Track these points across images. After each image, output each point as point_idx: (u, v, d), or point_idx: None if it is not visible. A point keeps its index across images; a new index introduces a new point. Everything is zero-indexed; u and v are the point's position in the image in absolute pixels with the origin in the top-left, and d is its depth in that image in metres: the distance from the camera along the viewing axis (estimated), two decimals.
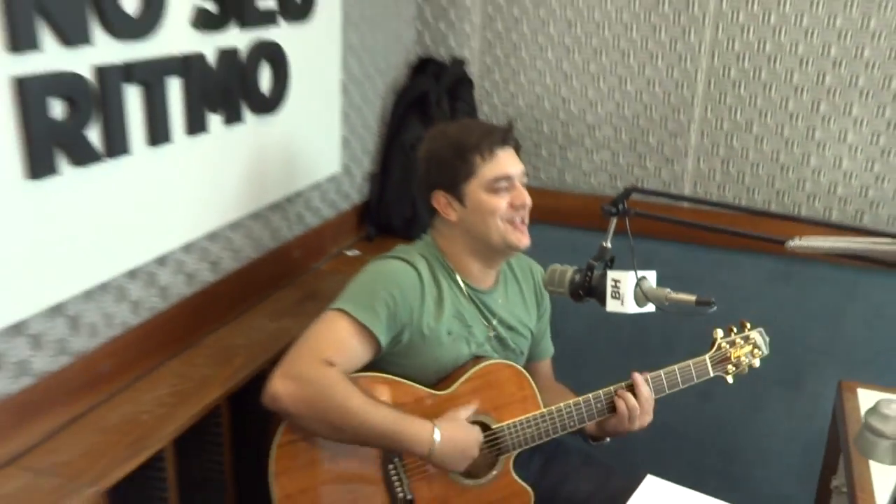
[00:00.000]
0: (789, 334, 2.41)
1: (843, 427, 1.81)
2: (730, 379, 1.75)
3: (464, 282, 1.76)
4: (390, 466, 1.65)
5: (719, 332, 1.76)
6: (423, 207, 1.81)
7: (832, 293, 2.43)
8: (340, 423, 1.53)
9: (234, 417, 1.79)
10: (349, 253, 2.53)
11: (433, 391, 1.69)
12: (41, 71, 1.34)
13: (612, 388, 1.71)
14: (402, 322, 1.66)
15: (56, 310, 1.52)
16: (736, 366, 1.74)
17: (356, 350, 1.61)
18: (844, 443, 1.73)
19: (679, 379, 1.74)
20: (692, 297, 1.49)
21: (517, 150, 1.74)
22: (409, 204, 2.57)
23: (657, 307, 1.53)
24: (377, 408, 1.57)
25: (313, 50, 2.12)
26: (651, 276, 1.53)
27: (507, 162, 1.69)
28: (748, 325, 1.77)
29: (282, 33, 1.96)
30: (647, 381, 1.72)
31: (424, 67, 2.69)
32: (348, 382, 1.56)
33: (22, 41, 1.29)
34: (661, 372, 1.73)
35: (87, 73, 1.44)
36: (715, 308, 1.47)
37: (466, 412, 1.68)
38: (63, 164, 1.42)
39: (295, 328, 1.92)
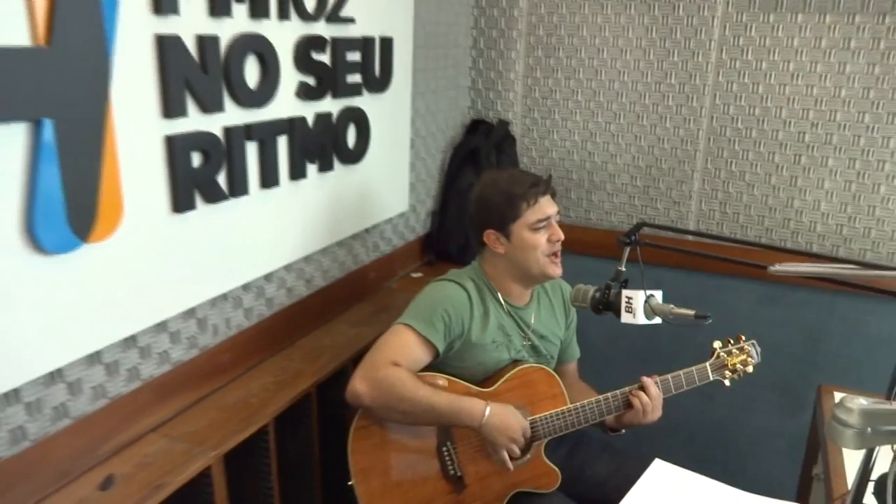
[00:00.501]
0: (778, 347, 2.37)
1: (821, 424, 1.78)
2: (727, 382, 1.72)
3: (504, 300, 1.76)
4: (444, 449, 1.65)
5: (718, 343, 1.73)
6: (474, 239, 1.81)
7: (814, 313, 2.38)
8: (410, 408, 1.55)
9: (321, 403, 1.82)
10: (414, 275, 2.53)
11: (479, 388, 1.69)
12: (186, 131, 1.42)
13: (626, 388, 1.70)
14: (455, 333, 1.67)
15: (189, 313, 1.58)
16: (732, 371, 1.71)
17: (418, 355, 1.63)
18: (822, 437, 1.70)
19: (684, 381, 1.71)
20: (692, 312, 1.50)
21: (553, 195, 1.75)
22: (462, 236, 2.57)
23: (663, 320, 1.54)
24: (438, 393, 1.58)
25: (389, 114, 2.15)
26: (658, 295, 1.54)
27: (546, 206, 1.70)
28: (743, 338, 1.74)
29: (365, 101, 2.00)
30: (656, 382, 1.70)
31: (476, 127, 2.69)
32: (413, 376, 1.58)
33: (174, 110, 1.38)
34: (669, 375, 1.71)
35: (219, 133, 1.51)
36: (710, 321, 1.47)
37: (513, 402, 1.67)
38: (199, 201, 1.49)
39: (370, 334, 1.95)
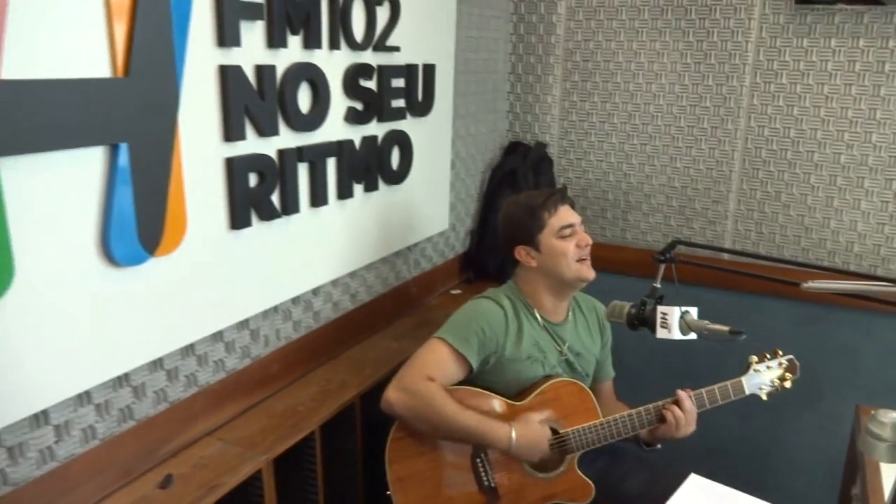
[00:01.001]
0: (815, 367, 2.33)
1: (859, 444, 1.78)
2: (764, 397, 1.70)
3: (540, 315, 1.79)
4: (478, 460, 1.67)
5: (754, 358, 1.72)
6: (507, 259, 1.85)
7: (851, 333, 2.35)
8: (438, 423, 1.59)
9: (364, 412, 1.86)
10: (453, 291, 2.58)
11: (513, 402, 1.71)
12: (244, 153, 1.51)
13: (660, 402, 1.70)
14: (490, 349, 1.70)
15: (243, 324, 1.66)
16: (770, 386, 1.70)
17: (452, 370, 1.67)
18: (860, 457, 1.67)
19: (718, 395, 1.70)
20: (726, 328, 1.52)
21: (572, 205, 1.79)
22: (500, 254, 2.54)
23: (698, 335, 1.56)
24: (466, 412, 1.60)
25: (431, 137, 2.22)
26: (693, 311, 1.56)
27: (568, 214, 1.75)
28: (780, 353, 1.72)
29: (408, 125, 2.07)
30: (690, 396, 1.69)
31: (514, 149, 2.73)
32: (445, 393, 1.61)
33: (233, 134, 1.47)
34: (703, 390, 1.70)
35: (274, 155, 1.59)
36: (745, 337, 1.49)
37: (537, 416, 1.68)
38: (254, 219, 1.57)
39: (412, 348, 1.91)
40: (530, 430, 1.64)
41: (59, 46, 1.13)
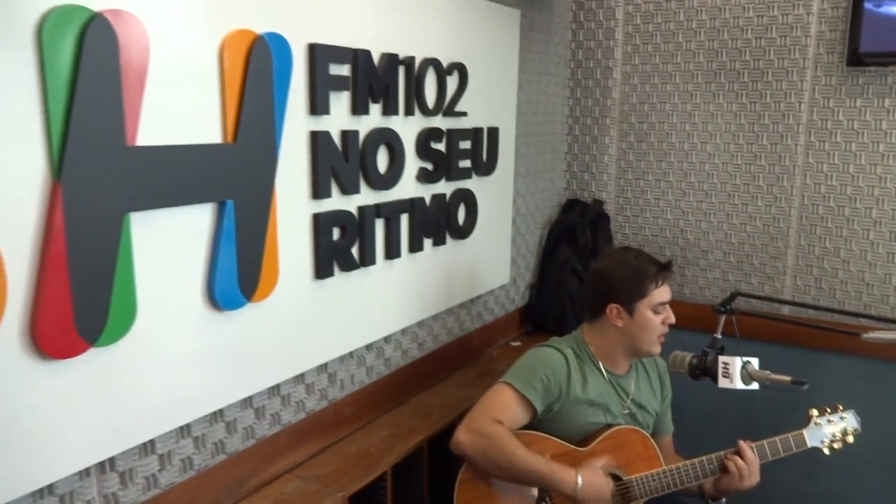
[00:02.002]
0: (882, 424, 2.27)
1: None
2: (826, 451, 1.69)
3: (604, 367, 1.82)
4: (543, 503, 1.70)
5: (814, 411, 1.72)
6: (587, 309, 1.86)
7: None
8: (506, 465, 1.63)
9: (432, 456, 1.92)
10: (513, 343, 2.64)
11: (576, 447, 1.74)
12: (329, 209, 1.65)
13: (722, 452, 1.71)
14: (553, 396, 1.73)
15: (322, 368, 1.77)
16: (832, 440, 1.69)
17: (518, 414, 1.71)
18: None
19: (780, 447, 1.70)
20: (788, 378, 1.56)
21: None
22: (558, 308, 2.67)
23: (760, 385, 1.60)
24: (534, 455, 1.64)
25: (494, 194, 2.34)
26: (754, 361, 1.61)
27: (667, 291, 1.79)
28: (840, 407, 1.72)
29: (474, 183, 2.20)
30: (751, 447, 1.69)
31: (572, 206, 2.82)
32: (512, 436, 1.65)
33: (321, 192, 1.62)
34: (765, 441, 1.71)
35: (354, 211, 1.73)
36: (807, 387, 1.52)
37: (601, 462, 1.70)
38: (336, 269, 1.70)
39: (475, 396, 1.97)
40: (596, 477, 1.66)
41: (182, 117, 1.30)
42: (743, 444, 1.70)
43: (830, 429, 1.70)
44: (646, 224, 2.77)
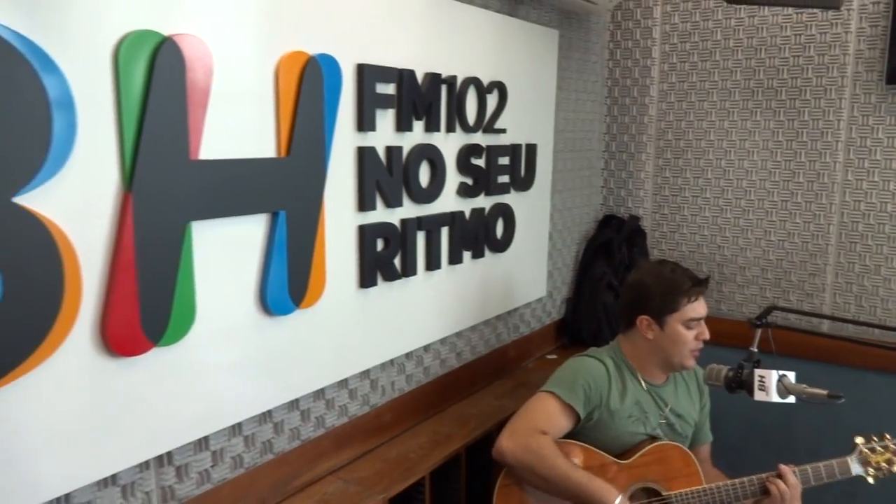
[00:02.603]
0: None
1: None
2: (871, 480, 1.67)
3: (642, 378, 1.84)
4: None
5: (860, 439, 1.69)
6: (620, 319, 1.88)
7: None
8: (547, 476, 1.64)
9: (470, 462, 1.96)
10: (549, 356, 2.66)
11: (617, 459, 1.75)
12: (373, 222, 1.72)
13: (764, 474, 1.70)
14: (594, 403, 1.75)
15: (364, 374, 1.82)
16: (877, 469, 1.66)
17: (561, 422, 1.73)
18: None
19: (823, 473, 1.68)
20: (824, 391, 1.56)
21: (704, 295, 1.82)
22: (594, 322, 2.69)
23: (796, 398, 1.60)
24: (576, 470, 1.65)
25: (531, 209, 2.39)
26: (791, 375, 1.61)
27: (702, 307, 1.79)
28: (888, 436, 1.69)
29: (512, 198, 2.25)
30: (794, 471, 1.68)
31: (608, 222, 2.85)
32: (556, 448, 1.66)
33: (366, 204, 1.68)
34: (808, 466, 1.69)
35: (397, 223, 1.79)
36: (843, 401, 1.52)
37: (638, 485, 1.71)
38: (379, 279, 1.76)
39: (512, 406, 2.04)
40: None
41: (240, 133, 1.38)
42: (785, 469, 1.69)
43: (876, 458, 1.67)
44: (682, 240, 2.78)
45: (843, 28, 2.38)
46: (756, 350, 1.69)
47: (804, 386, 1.60)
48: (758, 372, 1.64)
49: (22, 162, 1.04)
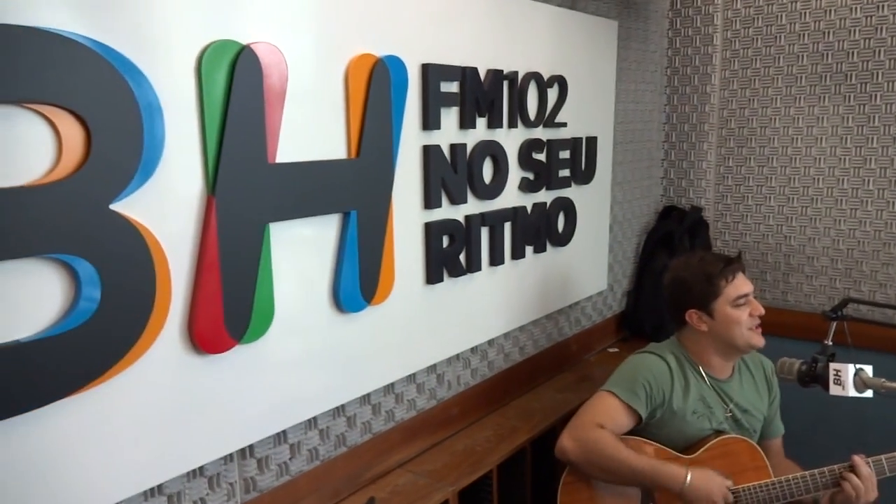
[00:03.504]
0: None
1: None
2: None
3: (706, 373, 1.80)
4: None
5: None
6: (671, 320, 1.85)
7: None
8: (611, 467, 1.64)
9: (535, 456, 1.97)
10: (611, 350, 2.66)
11: (681, 455, 1.73)
12: (439, 219, 1.74)
13: (836, 466, 1.65)
14: (656, 402, 1.74)
15: (431, 368, 1.86)
16: None
17: (621, 421, 1.72)
18: None
19: None
20: None
21: (744, 272, 1.80)
22: (656, 315, 2.66)
23: (874, 392, 1.56)
24: (639, 457, 1.65)
25: (592, 202, 2.38)
26: (868, 369, 1.57)
27: (743, 283, 1.75)
28: None
29: (573, 192, 2.24)
30: (867, 462, 1.63)
31: (668, 213, 2.82)
32: (616, 439, 1.66)
33: (432, 202, 1.71)
34: (883, 456, 1.64)
35: (461, 220, 1.81)
36: None
37: (716, 474, 1.67)
38: (445, 275, 1.78)
39: (574, 400, 2.09)
40: (708, 477, 1.65)
41: (313, 135, 1.42)
42: (858, 460, 1.64)
43: None
44: (746, 230, 2.72)
45: None
46: (830, 343, 1.65)
47: (883, 380, 1.56)
48: (833, 366, 1.60)
49: (117, 170, 1.10)
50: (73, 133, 1.05)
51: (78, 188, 1.05)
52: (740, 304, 1.75)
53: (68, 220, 1.05)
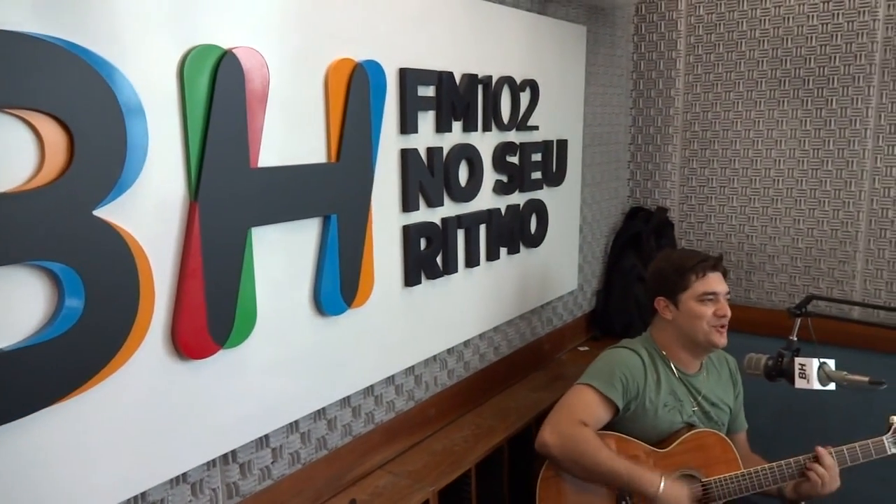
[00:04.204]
0: None
1: None
2: None
3: (675, 367, 1.87)
4: (623, 502, 1.76)
5: (895, 418, 1.71)
6: (646, 310, 1.97)
7: None
8: (590, 467, 1.68)
9: (512, 454, 2.01)
10: (581, 348, 2.71)
11: (655, 448, 1.79)
12: (416, 221, 1.76)
13: (801, 457, 1.72)
14: (631, 395, 1.79)
15: (410, 370, 1.87)
16: None
17: (600, 414, 1.77)
18: None
19: (859, 453, 1.70)
20: (866, 378, 1.59)
21: (724, 274, 1.87)
22: (625, 313, 2.73)
23: (837, 385, 1.64)
24: (618, 459, 1.69)
25: (563, 204, 2.42)
26: (831, 363, 1.64)
27: (715, 282, 1.82)
28: None
29: (544, 194, 2.28)
30: (830, 453, 1.71)
31: (635, 214, 2.87)
32: (597, 438, 1.70)
33: (410, 205, 1.72)
34: (844, 447, 1.72)
35: (438, 223, 1.83)
36: (885, 386, 1.56)
37: (681, 471, 1.75)
38: (423, 278, 1.80)
39: (548, 398, 2.12)
40: (677, 485, 1.70)
41: (294, 141, 1.42)
42: (822, 451, 1.72)
43: None
44: (710, 230, 2.80)
45: (870, 16, 2.38)
46: (795, 339, 1.72)
47: (845, 373, 1.64)
48: (798, 360, 1.68)
49: (101, 176, 1.09)
50: (55, 138, 1.04)
51: (61, 194, 1.04)
52: (706, 301, 1.81)
53: (51, 226, 1.04)
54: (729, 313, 1.82)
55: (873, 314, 2.42)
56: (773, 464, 1.76)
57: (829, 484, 1.70)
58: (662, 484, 1.66)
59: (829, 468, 1.70)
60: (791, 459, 1.75)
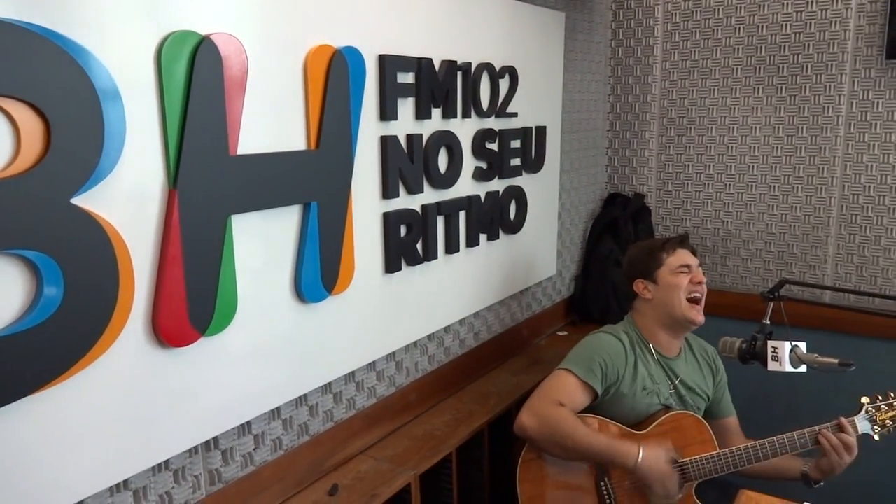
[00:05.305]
0: None
1: None
2: (877, 437, 1.72)
3: (655, 350, 1.92)
4: (602, 484, 1.80)
5: (866, 399, 1.74)
6: (626, 296, 2.04)
7: None
8: (569, 444, 1.71)
9: (492, 438, 2.03)
10: (560, 333, 2.74)
11: (633, 430, 1.83)
12: (397, 208, 1.77)
13: (775, 438, 1.74)
14: (611, 380, 1.83)
15: (391, 356, 1.88)
16: (882, 426, 1.72)
17: (579, 398, 1.80)
18: None
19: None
20: (835, 360, 1.64)
21: (693, 252, 1.96)
22: (603, 299, 2.76)
23: (808, 367, 1.68)
24: (596, 435, 1.74)
25: (542, 190, 2.44)
26: (802, 345, 1.69)
27: (685, 256, 1.93)
28: (892, 394, 1.75)
29: (524, 180, 2.30)
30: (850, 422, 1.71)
31: (613, 200, 2.91)
32: (574, 416, 1.74)
33: (390, 192, 1.73)
34: (816, 427, 1.75)
35: (418, 209, 1.84)
36: (854, 368, 1.60)
37: (664, 445, 1.77)
38: (403, 264, 1.81)
39: (527, 382, 2.16)
40: (656, 453, 1.73)
41: (273, 128, 1.42)
42: (844, 421, 1.72)
43: (882, 416, 1.73)
44: (686, 216, 2.84)
45: (843, 4, 2.42)
46: (768, 322, 1.76)
47: (815, 355, 1.68)
48: (771, 343, 1.72)
49: (78, 163, 1.08)
50: (31, 126, 1.03)
51: (38, 182, 1.03)
52: (680, 273, 1.90)
53: (28, 214, 1.03)
54: (704, 279, 1.91)
55: (844, 298, 2.48)
56: (748, 444, 1.80)
57: (845, 455, 1.70)
58: (641, 453, 1.70)
59: (847, 443, 1.71)
60: (765, 440, 1.78)
